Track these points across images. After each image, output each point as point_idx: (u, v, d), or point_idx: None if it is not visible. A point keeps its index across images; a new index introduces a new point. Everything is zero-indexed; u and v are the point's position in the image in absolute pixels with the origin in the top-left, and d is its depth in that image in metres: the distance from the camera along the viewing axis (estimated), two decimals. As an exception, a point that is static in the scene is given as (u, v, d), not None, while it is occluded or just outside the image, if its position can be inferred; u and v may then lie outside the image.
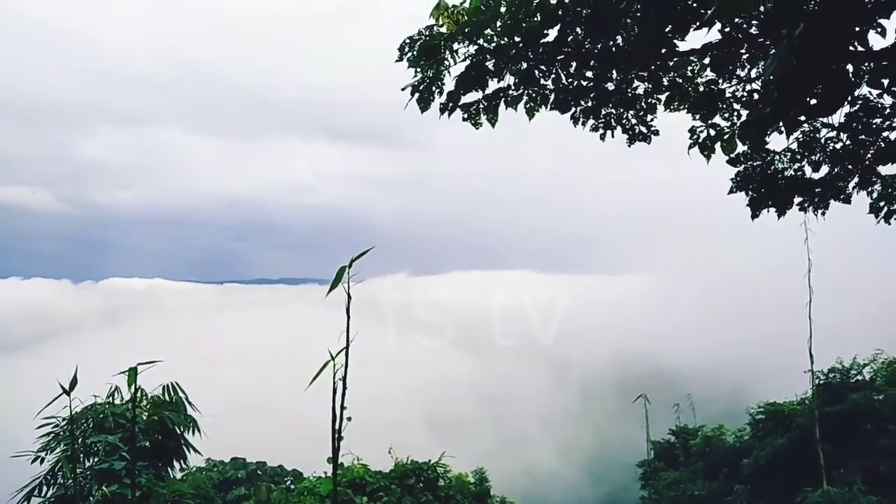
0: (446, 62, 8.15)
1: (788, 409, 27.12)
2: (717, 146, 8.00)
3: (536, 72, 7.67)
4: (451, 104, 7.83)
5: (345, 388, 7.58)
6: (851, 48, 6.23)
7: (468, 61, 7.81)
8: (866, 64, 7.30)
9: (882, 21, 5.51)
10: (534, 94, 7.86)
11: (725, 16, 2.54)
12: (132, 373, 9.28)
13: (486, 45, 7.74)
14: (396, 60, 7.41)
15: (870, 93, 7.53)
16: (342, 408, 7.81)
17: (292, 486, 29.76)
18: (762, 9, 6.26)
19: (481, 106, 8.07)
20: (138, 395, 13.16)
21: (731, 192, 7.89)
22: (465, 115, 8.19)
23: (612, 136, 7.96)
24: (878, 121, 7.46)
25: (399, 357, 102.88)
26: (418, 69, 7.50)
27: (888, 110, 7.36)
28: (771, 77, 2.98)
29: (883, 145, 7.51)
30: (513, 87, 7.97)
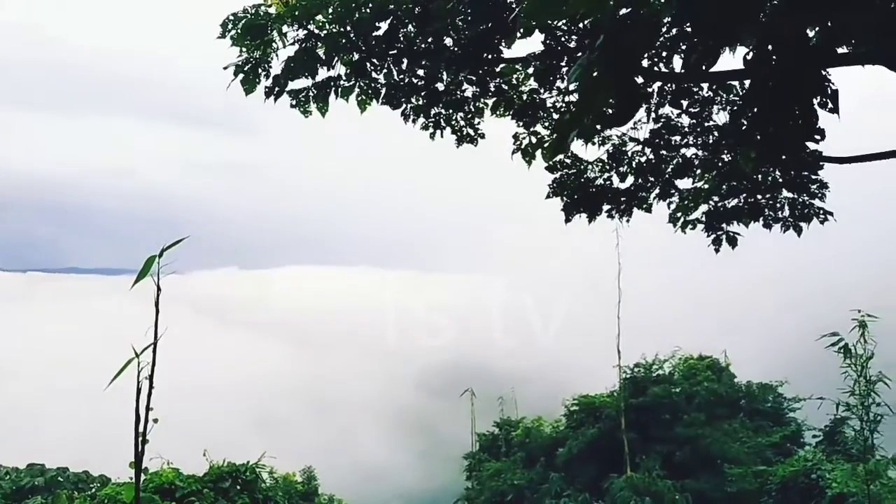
0: (274, 44, 7.81)
1: (599, 402, 29.33)
2: (538, 153, 8.42)
3: (368, 64, 7.58)
4: (277, 89, 7.52)
5: (151, 387, 7.05)
6: (656, 69, 6.80)
7: (298, 46, 7.56)
8: (669, 85, 8.04)
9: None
10: (365, 87, 7.76)
11: (532, 21, 2.58)
12: None
13: (317, 31, 7.52)
14: (218, 37, 6.97)
15: (672, 112, 8.30)
16: (147, 408, 7.25)
17: (97, 494, 27.31)
18: (583, 25, 6.67)
19: (311, 94, 7.84)
20: None
21: (547, 196, 8.32)
22: (294, 102, 7.91)
23: (442, 136, 8.09)
24: (677, 138, 8.24)
25: (225, 354, 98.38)
26: (243, 48, 7.12)
27: (686, 129, 8.15)
28: (573, 86, 3.11)
29: (680, 161, 8.31)
30: (344, 78, 7.82)
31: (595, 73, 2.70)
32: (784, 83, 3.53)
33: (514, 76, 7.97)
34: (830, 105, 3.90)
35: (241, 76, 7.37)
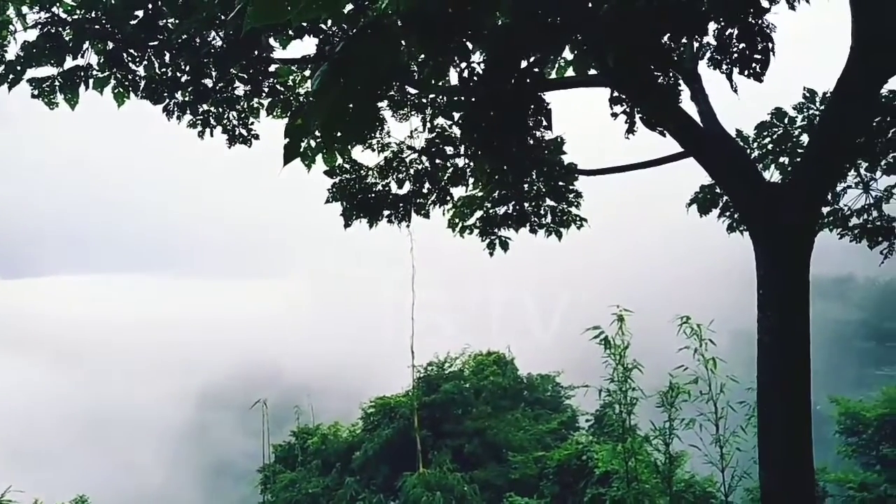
0: (12, 27, 6.88)
1: (395, 402, 29.79)
2: (319, 157, 8.29)
3: (125, 55, 6.94)
4: (12, 76, 6.62)
5: None
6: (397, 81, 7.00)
7: (40, 30, 6.71)
8: (441, 97, 8.35)
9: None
10: (122, 79, 7.10)
11: (256, 24, 2.46)
12: None
13: (63, 15, 6.73)
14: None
15: (446, 123, 8.64)
16: None
17: None
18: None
19: (57, 84, 7.01)
20: None
21: (327, 201, 8.23)
22: (37, 92, 7.03)
23: (212, 136, 7.64)
24: (450, 149, 8.59)
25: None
26: (-35, 27, 6.16)
27: (457, 140, 8.52)
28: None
29: (454, 170, 8.67)
30: (97, 68, 7.09)
31: (326, 83, 2.66)
32: (500, 102, 3.80)
33: (291, 77, 7.79)
34: (545, 123, 4.30)
35: (-36, 58, 6.39)
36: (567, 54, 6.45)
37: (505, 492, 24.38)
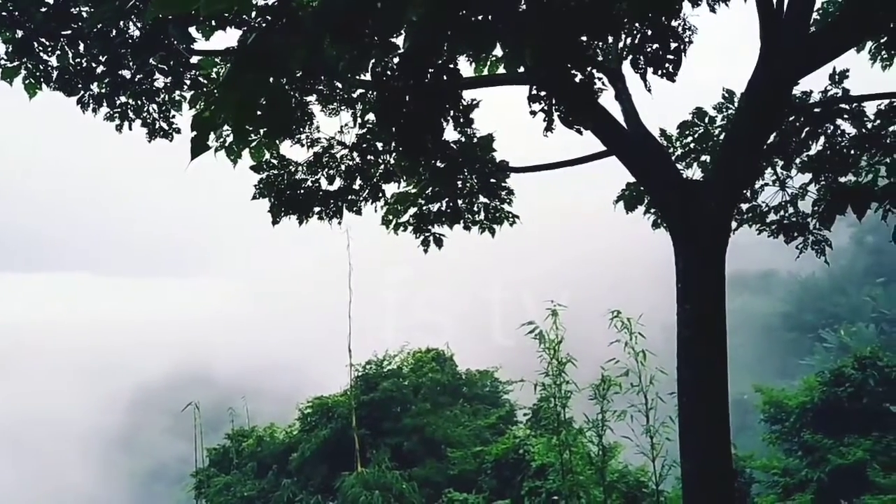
0: None
1: (333, 402, 29.42)
2: (246, 152, 8.08)
3: (36, 44, 6.60)
4: None
5: None
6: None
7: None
8: (371, 93, 8.26)
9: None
10: (33, 69, 6.75)
11: (159, 12, 2.37)
12: None
13: (-36, -1, 6.35)
14: None
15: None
16: None
17: None
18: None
19: (-41, 73, 6.61)
20: None
21: (254, 197, 8.04)
22: (-63, 81, 6.62)
23: (130, 129, 7.35)
24: (381, 145, 8.50)
25: None
26: None
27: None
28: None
29: (385, 166, 8.60)
30: (6, 58, 6.73)
31: (234, 76, 2.58)
32: (413, 99, 3.81)
33: (215, 69, 7.55)
34: (463, 120, 4.34)
35: None
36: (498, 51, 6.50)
37: (444, 488, 24.47)
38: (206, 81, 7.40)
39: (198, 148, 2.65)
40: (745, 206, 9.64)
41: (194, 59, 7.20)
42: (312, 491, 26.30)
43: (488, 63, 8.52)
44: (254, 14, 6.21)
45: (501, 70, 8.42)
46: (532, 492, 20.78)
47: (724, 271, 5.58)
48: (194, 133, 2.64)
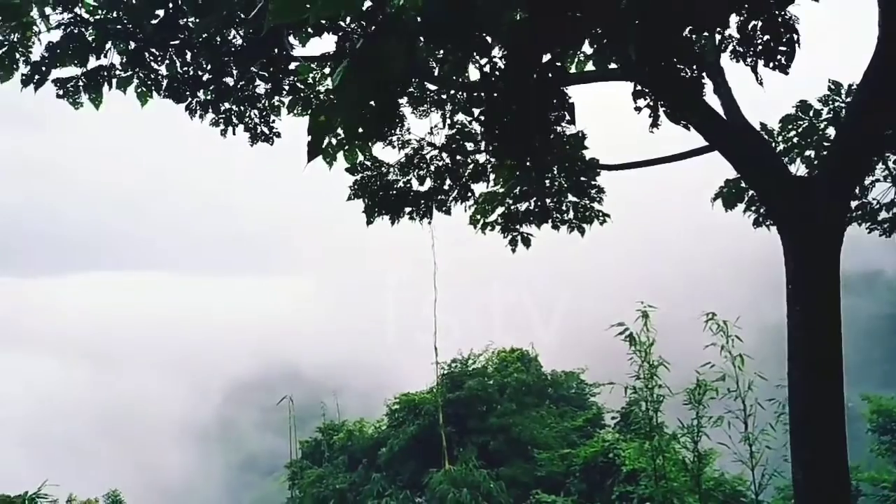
0: (36, 27, 6.97)
1: (419, 399, 29.84)
2: (340, 155, 8.29)
3: (147, 54, 7.01)
4: (37, 77, 6.71)
5: None
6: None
7: (63, 31, 6.81)
8: (461, 93, 8.29)
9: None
10: (145, 78, 7.17)
11: (277, 21, 2.45)
12: None
13: (86, 15, 6.81)
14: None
15: (466, 120, 8.57)
16: None
17: None
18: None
19: (81, 84, 7.09)
20: None
21: (349, 199, 8.22)
22: (61, 92, 7.13)
23: (234, 134, 7.69)
24: (471, 145, 8.51)
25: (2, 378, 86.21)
26: (-4, 30, 6.27)
27: (479, 136, 8.45)
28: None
29: (474, 166, 8.61)
30: (120, 68, 7.17)
31: (348, 80, 2.63)
32: (520, 98, 3.75)
33: (311, 75, 7.79)
34: (568, 118, 4.24)
35: (-8, 60, 6.51)
36: (587, 48, 6.36)
37: (531, 489, 24.28)
38: (302, 87, 7.64)
39: (314, 151, 2.72)
40: (854, 204, 9.04)
41: (292, 66, 7.45)
42: (401, 486, 26.72)
43: (575, 61, 8.37)
44: (348, 20, 6.36)
45: (590, 67, 8.26)
46: (623, 497, 20.30)
47: (839, 271, 5.24)
48: (310, 138, 2.72)
